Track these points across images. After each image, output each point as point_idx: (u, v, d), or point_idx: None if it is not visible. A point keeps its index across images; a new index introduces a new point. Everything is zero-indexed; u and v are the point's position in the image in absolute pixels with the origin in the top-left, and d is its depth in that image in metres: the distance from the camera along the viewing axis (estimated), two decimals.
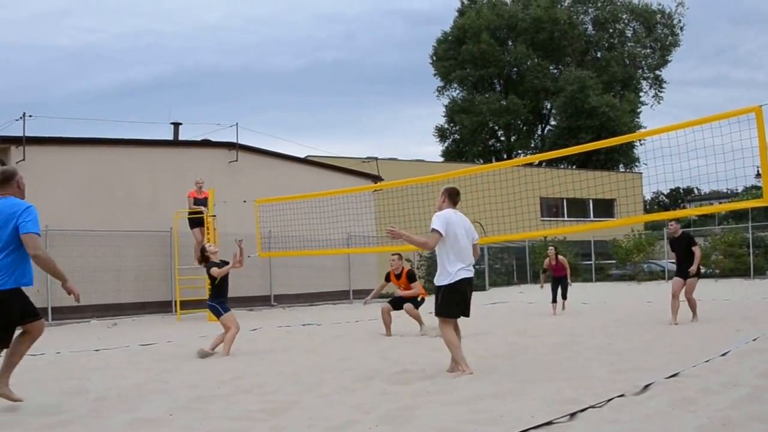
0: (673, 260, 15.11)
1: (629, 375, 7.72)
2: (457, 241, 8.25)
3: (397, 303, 13.85)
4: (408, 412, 6.23)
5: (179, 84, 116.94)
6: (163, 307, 20.84)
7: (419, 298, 13.83)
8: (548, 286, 18.84)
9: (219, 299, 11.23)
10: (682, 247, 14.36)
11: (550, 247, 19.63)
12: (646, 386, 6.89)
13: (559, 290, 18.32)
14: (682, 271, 14.20)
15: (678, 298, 13.93)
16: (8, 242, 6.44)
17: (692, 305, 14.22)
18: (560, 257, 18.89)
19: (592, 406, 6.14)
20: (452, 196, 8.59)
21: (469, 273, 8.36)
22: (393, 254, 14.22)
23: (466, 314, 8.50)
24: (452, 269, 8.23)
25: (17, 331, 6.73)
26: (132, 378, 8.90)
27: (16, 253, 6.48)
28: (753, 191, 39.61)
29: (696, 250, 14.16)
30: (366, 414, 6.26)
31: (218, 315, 11.19)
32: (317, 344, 12.54)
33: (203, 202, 19.52)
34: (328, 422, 5.99)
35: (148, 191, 21.86)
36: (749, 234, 33.90)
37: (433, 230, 8.28)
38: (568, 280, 18.56)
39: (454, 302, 8.31)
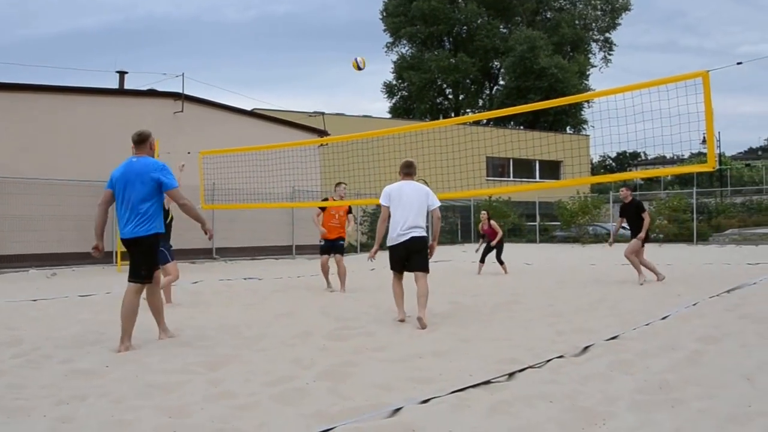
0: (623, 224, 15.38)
1: (569, 336, 7.78)
2: (395, 211, 9.23)
3: (327, 249, 13.79)
4: (347, 369, 6.20)
5: (128, 32, 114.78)
6: (103, 257, 20.43)
7: (340, 241, 13.77)
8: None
9: (165, 243, 11.09)
10: (631, 213, 14.59)
11: (483, 212, 19.52)
12: (586, 348, 6.97)
13: (494, 254, 18.34)
14: (635, 235, 14.53)
15: (634, 257, 14.43)
16: (151, 195, 7.71)
17: (647, 265, 14.52)
18: (492, 222, 18.70)
19: (530, 367, 6.18)
20: (403, 168, 9.51)
21: (406, 236, 9.11)
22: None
23: (414, 269, 9.20)
24: (391, 235, 9.25)
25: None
26: (69, 329, 8.76)
27: (157, 205, 7.78)
28: (699, 157, 40.22)
29: (645, 216, 14.47)
30: (305, 369, 6.23)
31: (165, 261, 11.03)
32: (258, 299, 12.49)
33: None
34: (266, 377, 5.94)
35: (92, 140, 21.49)
36: (693, 200, 34.48)
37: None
38: (501, 243, 18.51)
39: (392, 261, 9.40)
